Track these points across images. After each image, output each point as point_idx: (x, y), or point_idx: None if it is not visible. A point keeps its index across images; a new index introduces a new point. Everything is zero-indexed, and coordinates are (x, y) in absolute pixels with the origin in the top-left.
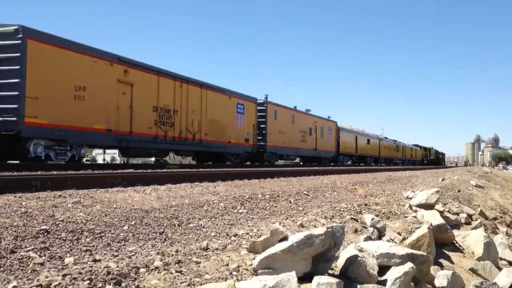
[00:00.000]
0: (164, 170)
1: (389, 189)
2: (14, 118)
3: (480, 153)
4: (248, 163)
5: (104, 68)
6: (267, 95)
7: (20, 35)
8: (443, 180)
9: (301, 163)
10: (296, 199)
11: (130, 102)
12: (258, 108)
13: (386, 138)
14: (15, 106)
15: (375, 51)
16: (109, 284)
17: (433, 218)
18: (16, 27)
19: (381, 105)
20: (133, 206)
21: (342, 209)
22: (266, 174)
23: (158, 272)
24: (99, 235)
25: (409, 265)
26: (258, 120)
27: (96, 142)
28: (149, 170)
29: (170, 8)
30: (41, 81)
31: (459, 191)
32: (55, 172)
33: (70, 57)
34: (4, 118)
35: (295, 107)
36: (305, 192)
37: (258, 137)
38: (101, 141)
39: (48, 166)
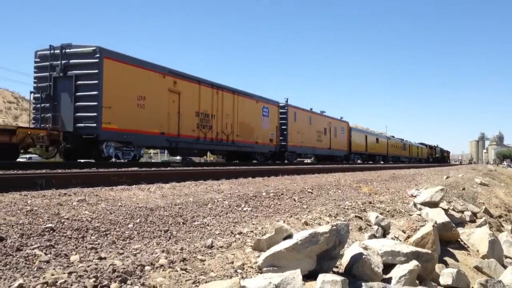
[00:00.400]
0: (169, 168)
1: (393, 187)
2: (94, 124)
3: (484, 151)
4: (269, 161)
5: (159, 80)
6: (287, 99)
7: (98, 55)
8: (447, 178)
9: (316, 161)
10: (300, 197)
11: (178, 109)
12: (280, 111)
13: (393, 137)
14: (94, 114)
15: (378, 49)
16: (115, 281)
17: (438, 216)
18: (94, 47)
19: (385, 103)
20: (138, 204)
21: (346, 207)
22: (270, 172)
23: (163, 270)
24: (104, 233)
25: (414, 263)
26: (280, 121)
27: (152, 143)
28: (153, 168)
29: (185, 9)
30: (113, 92)
31: (463, 189)
32: (60, 171)
33: (133, 71)
34: (86, 124)
35: (311, 108)
36: (309, 190)
37: (280, 137)
38: (156, 143)
39: (53, 165)
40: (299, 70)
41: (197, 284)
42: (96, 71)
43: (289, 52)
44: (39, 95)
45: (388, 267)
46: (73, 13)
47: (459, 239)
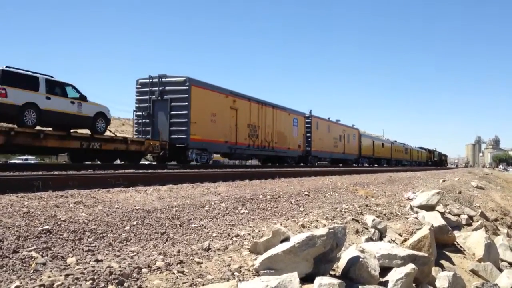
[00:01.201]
0: (165, 170)
1: (390, 190)
2: (184, 136)
3: (480, 154)
4: (293, 163)
5: (223, 100)
6: (311, 110)
7: (187, 83)
8: (443, 181)
9: (330, 164)
10: (297, 200)
11: (236, 122)
12: (306, 120)
13: (396, 141)
14: (185, 128)
15: (374, 52)
16: (112, 284)
17: (434, 219)
18: (185, 78)
19: (381, 106)
20: (135, 206)
21: (343, 210)
22: (267, 174)
23: (160, 273)
24: (101, 235)
25: (410, 266)
26: (305, 130)
27: (219, 150)
28: (150, 171)
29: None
30: (197, 111)
31: (460, 192)
32: (56, 172)
33: (209, 94)
34: (178, 136)
35: (328, 118)
36: (306, 192)
37: (305, 144)
38: (221, 149)
39: (50, 166)
40: (296, 71)
41: (194, 286)
42: (186, 95)
43: (286, 53)
44: (140, 113)
45: (385, 270)
46: (74, 13)
47: (455, 242)
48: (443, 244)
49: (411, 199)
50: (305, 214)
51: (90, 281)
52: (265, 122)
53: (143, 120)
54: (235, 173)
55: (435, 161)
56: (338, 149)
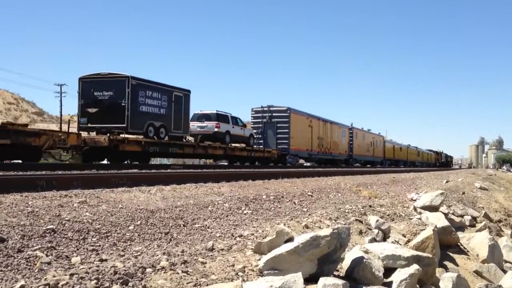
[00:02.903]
0: (169, 170)
1: (393, 191)
2: (286, 146)
3: (484, 155)
4: (342, 164)
5: (305, 120)
6: (352, 123)
7: (288, 111)
8: (447, 182)
9: (360, 165)
10: (301, 200)
11: (311, 135)
12: (349, 131)
13: (409, 145)
14: (287, 141)
15: (375, 52)
16: (116, 283)
17: (438, 220)
18: (286, 108)
19: (384, 106)
20: (139, 206)
21: (346, 211)
22: (270, 175)
23: (164, 272)
24: (105, 234)
25: (414, 267)
26: (349, 138)
27: (303, 155)
28: (153, 171)
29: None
30: (293, 130)
31: (463, 193)
32: (60, 172)
33: (299, 117)
34: (282, 146)
35: (362, 128)
36: (309, 193)
37: (349, 149)
38: (304, 155)
39: (54, 166)
40: (296, 71)
41: (198, 286)
42: (288, 119)
43: (286, 53)
44: (255, 131)
45: (388, 271)
46: (73, 13)
47: (459, 244)
48: (446, 245)
49: (415, 200)
50: (309, 215)
51: (95, 281)
52: (327, 134)
53: (257, 136)
54: (238, 173)
55: (442, 162)
56: (369, 153)
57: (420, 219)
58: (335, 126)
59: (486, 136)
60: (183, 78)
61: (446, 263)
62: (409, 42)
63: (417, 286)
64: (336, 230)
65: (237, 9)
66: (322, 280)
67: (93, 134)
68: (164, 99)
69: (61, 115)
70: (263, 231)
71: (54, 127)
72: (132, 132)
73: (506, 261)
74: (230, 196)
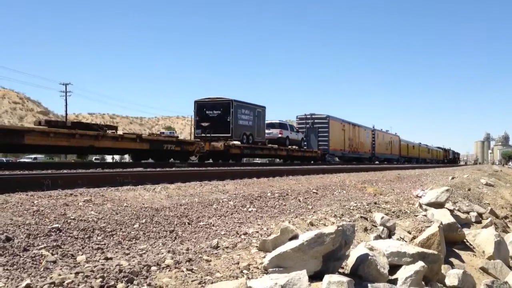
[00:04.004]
0: (173, 168)
1: (398, 188)
2: (326, 147)
3: (490, 151)
4: (366, 162)
5: (340, 125)
6: (374, 125)
7: (327, 119)
8: (452, 178)
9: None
10: (305, 198)
11: (344, 137)
12: (372, 133)
13: (420, 143)
14: (326, 143)
15: (379, 48)
16: (121, 282)
17: (443, 216)
18: (326, 115)
19: (389, 102)
20: (144, 204)
21: (351, 208)
22: (275, 172)
23: (169, 270)
24: (110, 233)
25: (420, 264)
26: (372, 139)
27: (338, 155)
28: (158, 169)
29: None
30: (331, 133)
31: (469, 189)
32: (65, 171)
33: (335, 123)
34: (323, 147)
35: (381, 129)
36: (314, 190)
37: (372, 148)
38: (339, 154)
39: (59, 165)
40: (295, 71)
41: (203, 284)
42: (327, 125)
43: (286, 53)
44: (302, 135)
45: (394, 268)
46: (77, 12)
47: (464, 240)
48: (452, 241)
49: (420, 197)
50: (313, 212)
51: (100, 279)
52: (355, 136)
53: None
54: (243, 171)
55: (450, 158)
56: (388, 151)
57: (425, 216)
58: (361, 128)
59: (492, 132)
60: (183, 79)
61: (452, 259)
62: (409, 41)
63: (423, 283)
64: (341, 227)
65: (236, 9)
66: (327, 278)
67: (213, 142)
68: (251, 115)
69: (66, 114)
70: (267, 229)
71: None
72: (234, 140)
73: None
74: (235, 194)
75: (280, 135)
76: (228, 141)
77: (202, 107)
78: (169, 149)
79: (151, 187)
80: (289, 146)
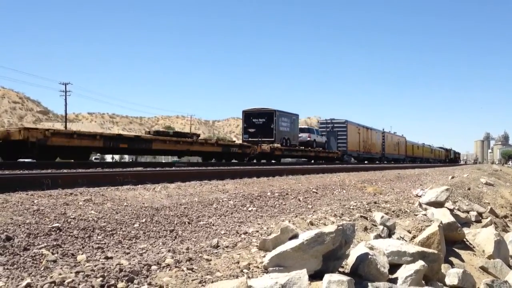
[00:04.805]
0: (173, 168)
1: (398, 187)
2: (345, 148)
3: (489, 150)
4: (377, 162)
5: (355, 129)
6: (383, 128)
7: (345, 123)
8: (452, 178)
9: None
10: (305, 197)
11: (359, 139)
12: (382, 135)
13: (424, 144)
14: (345, 144)
15: (379, 48)
16: (122, 281)
17: (443, 216)
18: (344, 120)
19: (387, 101)
20: (144, 204)
21: (351, 207)
22: (274, 172)
23: (169, 270)
24: (110, 232)
25: (420, 263)
26: (382, 140)
27: (354, 155)
28: (158, 168)
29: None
30: (349, 136)
31: (469, 189)
32: (65, 171)
33: (352, 127)
34: (341, 149)
35: (389, 131)
36: (314, 190)
37: (382, 149)
38: (355, 155)
39: (59, 165)
40: (296, 70)
41: (204, 283)
42: (345, 129)
43: (285, 53)
44: (326, 138)
45: (394, 267)
46: (77, 12)
47: (464, 239)
48: (452, 241)
49: (420, 196)
50: (313, 211)
51: (100, 278)
52: (368, 138)
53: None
54: (242, 171)
55: (451, 158)
56: (396, 152)
57: (425, 215)
58: (373, 131)
59: (491, 131)
60: (184, 78)
61: (452, 259)
62: (409, 41)
63: (423, 282)
64: (341, 227)
65: (237, 8)
66: (327, 277)
67: (262, 146)
68: (288, 122)
69: (66, 114)
70: (267, 228)
71: (59, 126)
72: (276, 143)
73: None
74: (234, 194)
75: (309, 139)
76: (273, 145)
77: (249, 116)
78: (234, 152)
79: (151, 186)
80: (316, 148)
